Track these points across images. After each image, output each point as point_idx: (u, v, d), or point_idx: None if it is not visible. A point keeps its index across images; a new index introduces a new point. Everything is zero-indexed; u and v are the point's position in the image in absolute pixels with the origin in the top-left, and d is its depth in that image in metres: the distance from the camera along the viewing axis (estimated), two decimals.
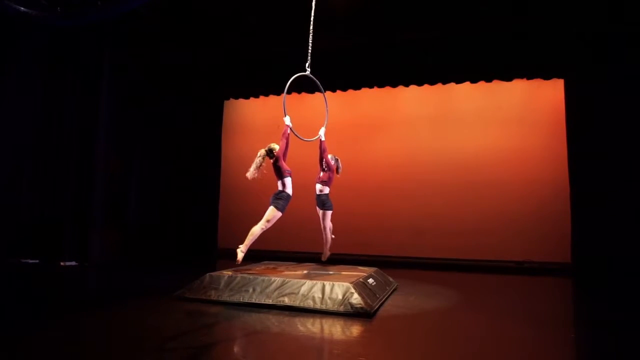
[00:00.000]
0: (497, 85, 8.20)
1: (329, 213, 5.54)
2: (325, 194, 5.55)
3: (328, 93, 8.70)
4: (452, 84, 8.31)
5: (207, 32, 8.35)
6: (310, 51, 5.48)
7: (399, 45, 8.12)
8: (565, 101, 7.64)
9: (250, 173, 5.24)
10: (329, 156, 5.58)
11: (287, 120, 5.36)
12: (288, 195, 5.19)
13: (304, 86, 8.92)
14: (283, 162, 5.24)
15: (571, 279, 7.02)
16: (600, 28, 7.12)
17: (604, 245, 6.95)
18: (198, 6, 7.68)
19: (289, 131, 5.33)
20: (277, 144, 5.29)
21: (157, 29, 8.28)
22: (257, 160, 5.28)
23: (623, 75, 7.05)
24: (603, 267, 6.87)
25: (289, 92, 5.58)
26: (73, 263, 7.61)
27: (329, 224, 5.60)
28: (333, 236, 5.80)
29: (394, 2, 7.29)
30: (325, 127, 5.67)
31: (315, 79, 5.53)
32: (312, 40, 5.52)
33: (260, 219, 5.06)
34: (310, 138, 5.54)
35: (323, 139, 5.61)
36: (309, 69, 5.52)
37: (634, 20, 6.79)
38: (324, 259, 5.92)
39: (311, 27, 5.44)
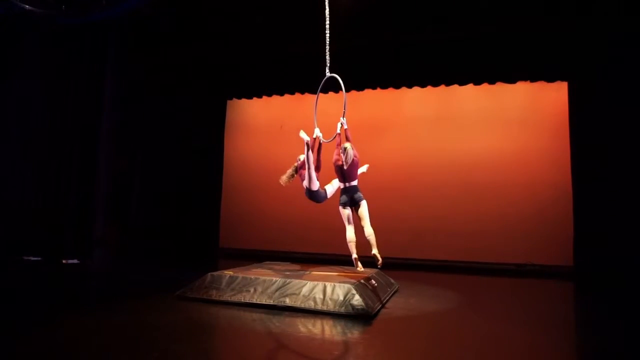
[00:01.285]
0: (501, 88, 8.18)
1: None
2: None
3: (331, 94, 8.73)
4: (455, 86, 8.29)
5: (210, 31, 8.35)
6: (328, 53, 5.37)
7: (402, 47, 8.10)
8: (569, 104, 7.62)
9: (282, 180, 5.31)
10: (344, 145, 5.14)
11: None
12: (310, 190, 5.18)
13: (304, 87, 8.98)
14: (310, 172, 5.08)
15: (573, 282, 7.00)
16: (604, 31, 7.10)
17: (606, 249, 6.92)
18: (201, 5, 7.69)
19: (312, 144, 5.11)
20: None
21: (161, 27, 8.29)
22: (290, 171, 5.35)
23: (627, 78, 7.02)
24: (605, 270, 6.84)
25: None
26: (75, 261, 7.63)
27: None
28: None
29: (396, 3, 7.29)
30: (344, 117, 5.28)
31: (337, 77, 5.26)
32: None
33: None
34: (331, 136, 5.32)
35: (338, 131, 5.22)
36: (327, 71, 5.35)
37: (637, 23, 6.77)
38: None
39: (327, 30, 5.34)
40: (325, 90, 8.65)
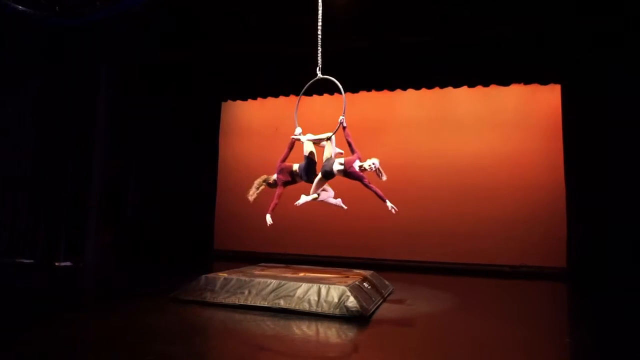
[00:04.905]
0: (495, 90, 8.22)
1: None
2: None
3: (326, 96, 8.76)
4: (450, 88, 8.32)
5: (205, 32, 8.35)
6: (320, 54, 5.37)
7: (397, 49, 8.13)
8: (562, 106, 7.67)
9: (251, 196, 5.29)
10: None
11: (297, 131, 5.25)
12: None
13: (299, 89, 8.98)
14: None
15: (566, 284, 7.03)
16: (597, 33, 7.17)
17: (599, 250, 6.96)
18: (196, 6, 7.68)
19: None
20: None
21: (155, 29, 8.27)
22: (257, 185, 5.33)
23: (620, 81, 7.08)
24: (598, 271, 6.89)
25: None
26: (68, 263, 7.58)
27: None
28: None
29: (392, 5, 7.32)
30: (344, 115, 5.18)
31: (333, 79, 5.25)
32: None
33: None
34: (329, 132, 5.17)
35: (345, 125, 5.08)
36: (319, 73, 5.40)
37: (631, 27, 6.84)
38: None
39: (319, 31, 5.35)
40: (320, 92, 8.71)
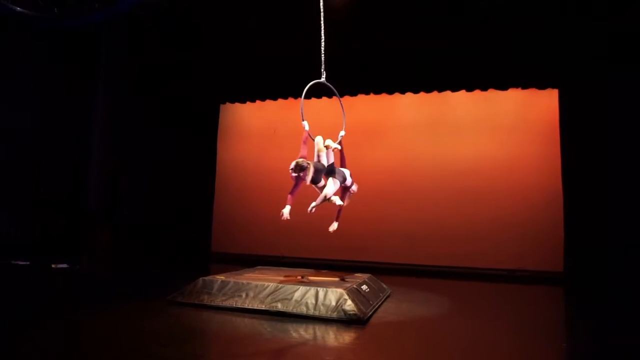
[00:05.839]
0: (493, 94, 8.25)
1: None
2: None
3: (324, 99, 8.76)
4: (448, 92, 8.35)
5: (205, 33, 8.35)
6: (323, 57, 5.36)
7: (395, 52, 8.15)
8: (560, 110, 7.71)
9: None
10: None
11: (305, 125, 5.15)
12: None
13: (298, 92, 8.98)
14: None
15: (563, 288, 7.04)
16: (595, 37, 7.20)
17: (596, 255, 6.98)
18: (195, 8, 7.69)
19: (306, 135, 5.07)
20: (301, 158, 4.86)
21: (154, 31, 8.28)
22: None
23: (617, 85, 7.12)
24: (595, 276, 6.90)
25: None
26: (64, 265, 7.55)
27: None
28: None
29: (390, 8, 7.34)
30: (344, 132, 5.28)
31: (331, 85, 5.31)
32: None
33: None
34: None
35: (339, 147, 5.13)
36: (324, 76, 5.35)
37: (629, 30, 6.88)
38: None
39: (322, 34, 5.36)
40: (319, 95, 8.72)
